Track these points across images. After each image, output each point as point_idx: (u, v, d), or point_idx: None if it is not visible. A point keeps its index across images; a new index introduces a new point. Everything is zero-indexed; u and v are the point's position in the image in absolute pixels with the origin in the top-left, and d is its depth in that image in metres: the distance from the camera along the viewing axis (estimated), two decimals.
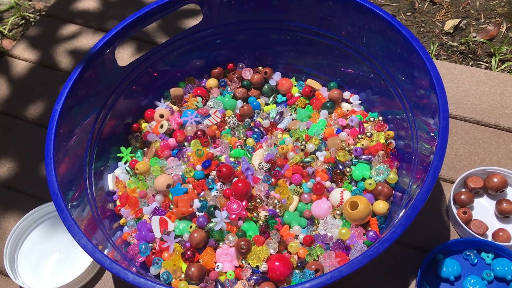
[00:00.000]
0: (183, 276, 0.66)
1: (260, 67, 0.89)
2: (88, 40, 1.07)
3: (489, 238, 0.71)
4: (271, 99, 0.87)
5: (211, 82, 0.87)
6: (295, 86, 0.87)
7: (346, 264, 0.50)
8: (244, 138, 0.80)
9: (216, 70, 0.88)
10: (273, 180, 0.72)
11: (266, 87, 0.86)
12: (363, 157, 0.73)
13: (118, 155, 0.80)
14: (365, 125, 0.78)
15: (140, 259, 0.67)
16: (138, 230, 0.70)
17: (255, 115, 0.83)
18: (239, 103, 0.84)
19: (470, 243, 0.69)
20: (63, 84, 0.69)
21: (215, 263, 0.66)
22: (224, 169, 0.70)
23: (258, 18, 0.82)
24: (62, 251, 0.76)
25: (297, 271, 0.64)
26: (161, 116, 0.82)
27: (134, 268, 0.63)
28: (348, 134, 0.76)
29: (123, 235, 0.71)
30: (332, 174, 0.72)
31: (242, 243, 0.64)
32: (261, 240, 0.65)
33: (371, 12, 0.70)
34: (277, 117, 0.82)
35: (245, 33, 0.85)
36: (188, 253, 0.66)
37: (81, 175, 0.69)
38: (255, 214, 0.69)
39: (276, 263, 0.63)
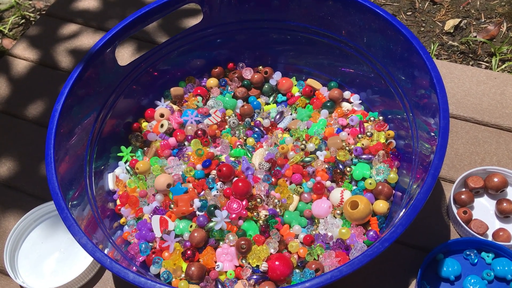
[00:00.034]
0: (183, 275, 0.66)
1: (260, 67, 0.89)
2: (89, 40, 1.07)
3: (489, 238, 0.71)
4: (271, 98, 0.87)
5: (212, 81, 0.87)
6: (295, 85, 0.87)
7: (346, 263, 0.50)
8: (245, 137, 0.80)
9: (217, 69, 0.88)
10: (273, 179, 0.72)
11: (266, 86, 0.86)
12: (364, 156, 0.73)
13: (119, 154, 0.80)
14: (365, 124, 0.77)
15: (140, 258, 0.68)
16: (138, 230, 0.70)
17: (256, 115, 0.83)
18: (240, 102, 0.84)
19: (470, 243, 0.69)
20: (63, 83, 0.69)
21: (215, 262, 0.66)
22: (224, 168, 0.70)
23: (259, 18, 0.82)
24: (62, 251, 0.76)
25: (297, 270, 0.64)
26: (162, 115, 0.82)
27: (134, 268, 0.63)
28: (348, 134, 0.76)
29: (123, 235, 0.71)
30: (333, 173, 0.72)
31: (242, 242, 0.64)
32: (261, 239, 0.65)
33: (372, 11, 0.70)
34: (277, 116, 0.82)
35: (246, 33, 0.85)
36: (188, 252, 0.66)
37: (81, 174, 0.69)
38: (255, 213, 0.69)
39: (276, 263, 0.63)
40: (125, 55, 1.03)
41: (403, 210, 0.58)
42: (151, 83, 0.84)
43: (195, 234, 0.66)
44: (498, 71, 1.08)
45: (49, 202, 0.78)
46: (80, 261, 0.74)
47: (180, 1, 0.76)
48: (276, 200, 0.70)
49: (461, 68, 0.92)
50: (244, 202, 0.67)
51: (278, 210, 0.69)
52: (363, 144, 0.74)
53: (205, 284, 0.64)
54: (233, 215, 0.67)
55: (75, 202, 0.63)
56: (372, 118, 0.78)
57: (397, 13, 1.24)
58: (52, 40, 1.07)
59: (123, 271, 0.52)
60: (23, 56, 1.05)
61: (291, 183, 0.73)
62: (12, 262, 0.74)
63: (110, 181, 0.76)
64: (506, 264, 0.66)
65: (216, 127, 0.80)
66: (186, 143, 0.80)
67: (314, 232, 0.68)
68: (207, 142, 0.77)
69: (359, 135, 0.76)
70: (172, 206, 0.71)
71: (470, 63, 1.12)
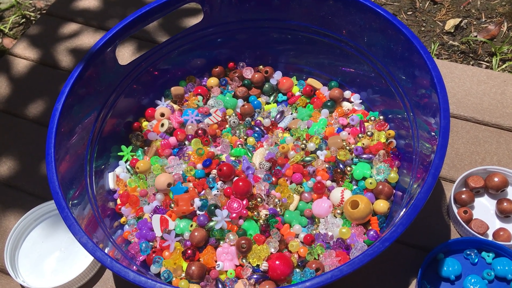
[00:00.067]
0: (183, 275, 0.66)
1: (261, 66, 0.89)
2: (89, 39, 1.07)
3: (490, 238, 0.71)
4: (271, 98, 0.87)
5: (212, 81, 0.87)
6: (295, 85, 0.87)
7: (346, 263, 0.50)
8: (245, 137, 0.80)
9: (217, 69, 0.88)
10: (273, 179, 0.72)
11: (267, 86, 0.86)
12: (364, 156, 0.73)
13: (119, 153, 0.80)
14: (365, 124, 0.77)
15: (140, 257, 0.68)
16: (138, 229, 0.70)
17: (256, 114, 0.83)
18: (240, 102, 0.84)
19: (471, 243, 0.69)
20: (63, 82, 0.69)
21: (216, 262, 0.66)
22: (224, 168, 0.70)
23: (259, 17, 0.82)
24: (62, 250, 0.76)
25: (297, 270, 0.64)
26: (162, 115, 0.82)
27: (134, 267, 0.63)
28: (348, 133, 0.76)
29: (124, 234, 0.71)
30: (333, 173, 0.72)
31: (243, 242, 0.64)
32: (261, 239, 0.65)
33: (372, 11, 0.69)
34: (278, 116, 0.82)
35: (246, 32, 0.84)
36: (189, 251, 0.66)
37: (81, 173, 0.69)
38: (255, 213, 0.69)
39: (277, 262, 0.63)
40: (125, 54, 1.03)
41: (404, 209, 0.58)
42: (151, 83, 0.84)
43: (196, 234, 0.66)
44: (498, 70, 1.08)
45: (50, 201, 0.78)
46: (81, 260, 0.74)
47: (180, 0, 0.76)
48: (276, 200, 0.70)
49: (461, 67, 0.92)
50: (244, 202, 0.67)
51: (278, 209, 0.69)
52: (363, 144, 0.74)
53: (206, 283, 0.64)
54: (234, 215, 0.67)
55: (75, 201, 0.63)
56: (372, 118, 0.78)
57: (397, 12, 1.24)
58: (52, 39, 1.07)
59: (123, 270, 0.52)
60: (24, 56, 1.05)
61: (291, 182, 0.73)
62: (12, 261, 0.74)
63: (110, 181, 0.76)
64: (506, 264, 0.66)
65: (217, 126, 0.80)
66: (186, 142, 0.80)
67: (314, 231, 0.68)
68: (208, 141, 0.77)
69: (360, 135, 0.76)
70: (172, 205, 0.71)
71: (471, 62, 1.12)
